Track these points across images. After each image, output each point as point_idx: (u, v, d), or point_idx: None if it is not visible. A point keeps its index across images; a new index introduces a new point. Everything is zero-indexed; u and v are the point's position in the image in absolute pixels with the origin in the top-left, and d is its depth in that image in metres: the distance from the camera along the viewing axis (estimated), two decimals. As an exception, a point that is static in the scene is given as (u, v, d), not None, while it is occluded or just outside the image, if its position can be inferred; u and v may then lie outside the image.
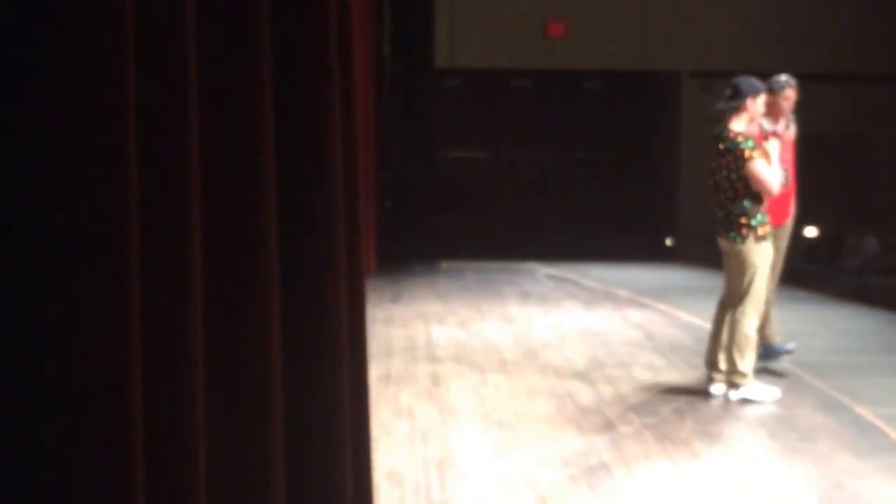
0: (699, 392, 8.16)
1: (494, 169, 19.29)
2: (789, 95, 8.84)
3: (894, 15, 18.42)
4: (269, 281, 3.09)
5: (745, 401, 7.91)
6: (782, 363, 8.98)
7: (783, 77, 8.88)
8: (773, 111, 8.76)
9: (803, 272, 15.19)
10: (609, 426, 7.41)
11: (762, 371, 8.61)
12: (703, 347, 9.73)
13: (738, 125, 7.88)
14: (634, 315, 11.51)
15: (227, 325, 2.97)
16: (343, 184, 3.49)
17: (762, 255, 7.91)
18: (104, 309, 2.37)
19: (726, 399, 7.96)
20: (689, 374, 8.90)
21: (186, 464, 2.68)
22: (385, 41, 16.15)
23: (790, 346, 8.97)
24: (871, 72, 18.40)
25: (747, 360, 7.93)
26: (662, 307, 11.98)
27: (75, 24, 2.34)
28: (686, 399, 8.09)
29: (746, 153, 7.77)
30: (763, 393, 7.97)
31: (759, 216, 7.88)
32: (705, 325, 10.13)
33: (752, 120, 7.93)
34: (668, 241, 18.96)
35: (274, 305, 3.12)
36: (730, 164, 7.83)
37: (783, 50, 17.28)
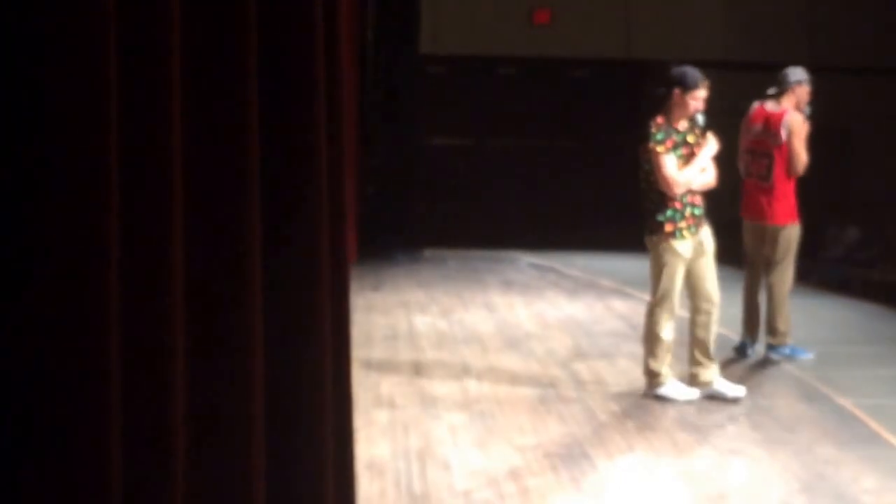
0: (681, 382, 8.16)
1: (478, 157, 19.22)
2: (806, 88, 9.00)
3: (873, 7, 18.46)
4: (253, 270, 3.09)
5: (661, 398, 7.78)
6: (765, 354, 9.03)
7: (800, 70, 9.02)
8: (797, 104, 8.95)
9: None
10: (591, 416, 7.42)
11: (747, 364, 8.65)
12: (686, 338, 9.75)
13: (664, 117, 7.72)
14: (618, 305, 11.51)
15: (208, 314, 2.96)
16: (327, 170, 3.48)
17: (669, 254, 7.67)
18: (83, 300, 2.37)
19: (645, 395, 7.87)
20: (671, 364, 8.88)
21: (166, 453, 2.69)
22: (369, 27, 16.01)
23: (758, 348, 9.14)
24: (851, 63, 18.43)
25: (660, 361, 7.81)
26: (647, 297, 11.92)
27: (60, 41, 2.33)
28: (668, 389, 8.08)
29: (650, 144, 7.64)
30: (679, 392, 7.80)
31: (668, 212, 7.65)
32: (688, 315, 10.13)
33: (683, 112, 7.67)
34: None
35: (257, 295, 3.11)
36: (643, 156, 7.74)
37: (767, 41, 17.32)
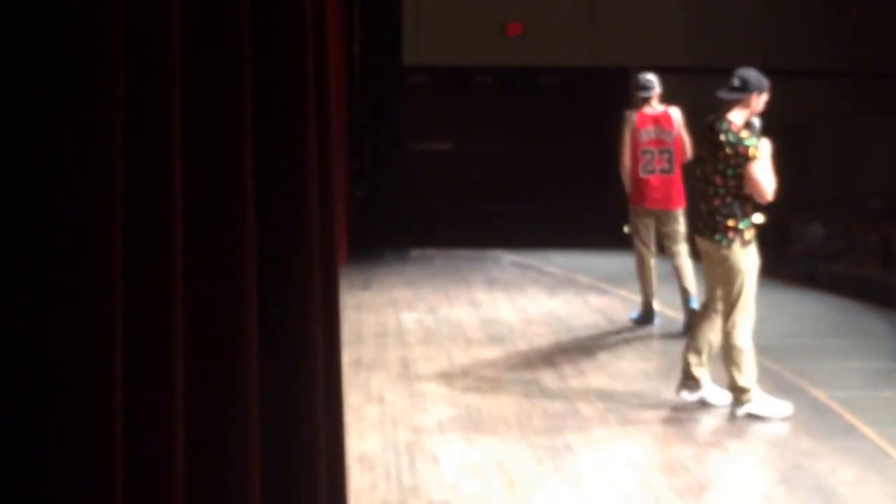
0: (659, 375, 8.03)
1: (460, 160, 19.37)
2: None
3: (831, 13, 18.64)
4: (246, 271, 3.08)
5: (752, 416, 7.03)
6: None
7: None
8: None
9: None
10: (573, 409, 7.31)
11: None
12: (661, 331, 9.69)
13: (737, 118, 7.04)
14: (595, 300, 11.46)
15: (203, 314, 2.93)
16: (317, 176, 3.51)
17: (750, 260, 7.01)
18: (85, 297, 2.34)
19: (732, 415, 7.08)
20: (649, 357, 8.85)
21: (165, 449, 2.67)
22: (356, 40, 16.30)
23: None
24: (807, 66, 18.61)
25: (746, 374, 7.02)
26: (622, 292, 11.90)
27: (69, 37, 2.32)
28: (647, 381, 7.99)
29: (751, 151, 6.89)
30: (771, 409, 7.08)
31: (747, 219, 6.99)
32: (663, 309, 10.04)
33: (751, 115, 7.10)
34: (626, 229, 18.89)
35: (250, 294, 3.10)
36: (728, 159, 6.92)
37: (728, 46, 17.53)
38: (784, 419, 7.01)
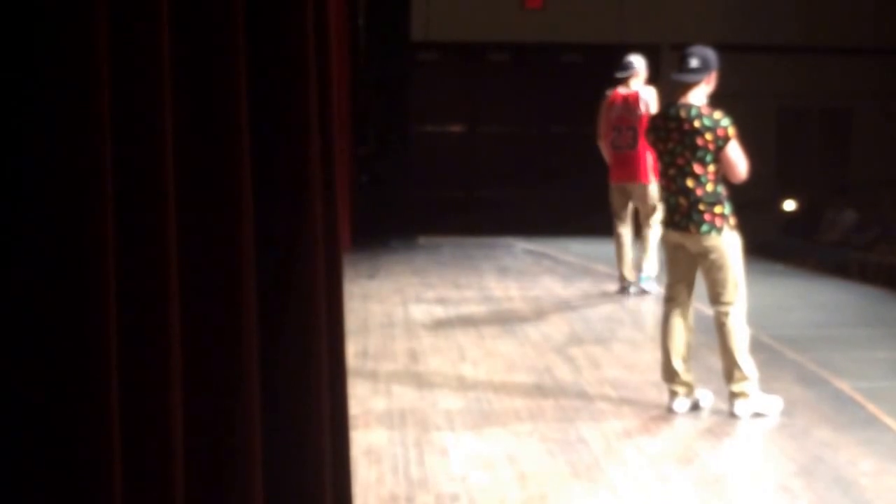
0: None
1: (471, 143, 19.22)
2: None
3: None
4: (246, 259, 3.11)
5: (756, 415, 7.07)
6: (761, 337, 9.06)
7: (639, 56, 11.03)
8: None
9: (782, 246, 15.25)
10: (588, 401, 7.42)
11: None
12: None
13: (700, 100, 7.00)
14: (613, 290, 11.45)
15: (202, 302, 2.99)
16: (320, 160, 3.49)
17: (739, 246, 7.02)
18: (77, 282, 2.39)
19: (731, 414, 7.07)
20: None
21: (164, 444, 2.73)
22: (360, 14, 15.97)
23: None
24: (850, 45, 18.40)
25: (751, 362, 7.06)
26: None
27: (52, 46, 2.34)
28: (664, 373, 8.09)
29: (730, 131, 6.88)
30: (769, 405, 7.13)
31: (730, 203, 7.00)
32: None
33: (709, 95, 7.06)
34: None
35: (250, 283, 3.14)
36: (707, 145, 6.88)
37: (763, 23, 17.30)
38: (805, 410, 7.16)
